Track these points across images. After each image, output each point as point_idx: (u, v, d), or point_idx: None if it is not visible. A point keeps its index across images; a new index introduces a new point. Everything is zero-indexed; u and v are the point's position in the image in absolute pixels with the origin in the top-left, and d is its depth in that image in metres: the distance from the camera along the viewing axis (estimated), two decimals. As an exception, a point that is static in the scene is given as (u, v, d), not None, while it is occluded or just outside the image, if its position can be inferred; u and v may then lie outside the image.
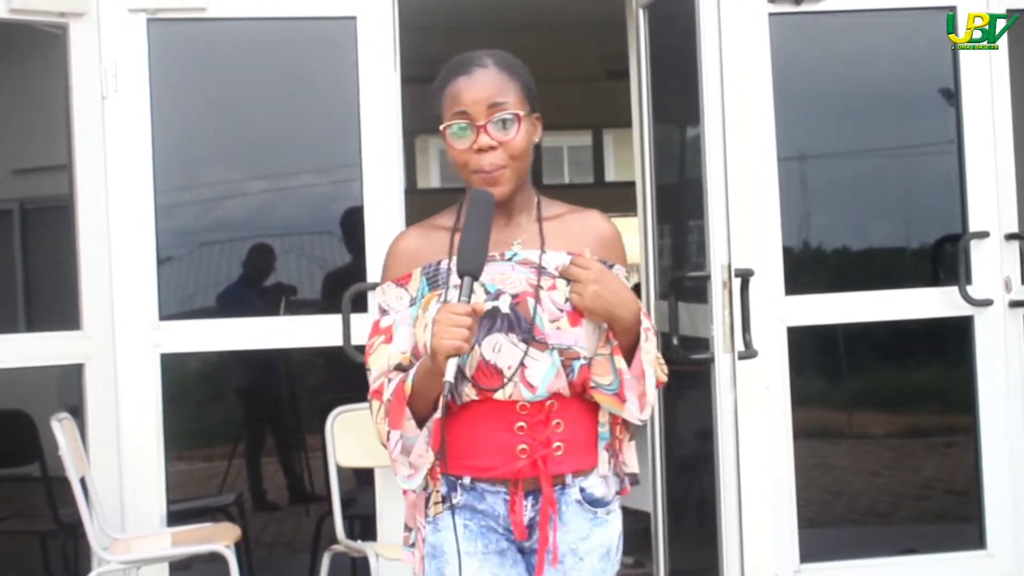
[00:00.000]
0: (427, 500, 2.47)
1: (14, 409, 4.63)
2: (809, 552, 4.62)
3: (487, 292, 2.42)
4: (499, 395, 2.40)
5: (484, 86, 2.43)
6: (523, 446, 2.41)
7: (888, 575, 4.76)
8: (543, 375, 2.40)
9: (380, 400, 2.43)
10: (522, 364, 2.39)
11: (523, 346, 2.39)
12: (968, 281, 4.67)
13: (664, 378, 2.52)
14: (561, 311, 2.42)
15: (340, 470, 4.51)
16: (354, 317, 4.43)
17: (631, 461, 2.57)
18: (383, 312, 2.52)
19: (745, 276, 4.37)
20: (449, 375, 2.25)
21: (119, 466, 4.45)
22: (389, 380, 2.43)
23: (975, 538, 4.73)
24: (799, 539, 4.61)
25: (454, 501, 2.44)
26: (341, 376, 4.68)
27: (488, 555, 2.44)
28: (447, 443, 2.35)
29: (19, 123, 4.65)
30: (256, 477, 4.97)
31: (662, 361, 2.52)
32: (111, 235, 4.47)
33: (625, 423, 2.52)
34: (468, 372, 2.39)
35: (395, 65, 4.56)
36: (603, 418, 2.49)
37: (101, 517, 4.33)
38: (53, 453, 4.20)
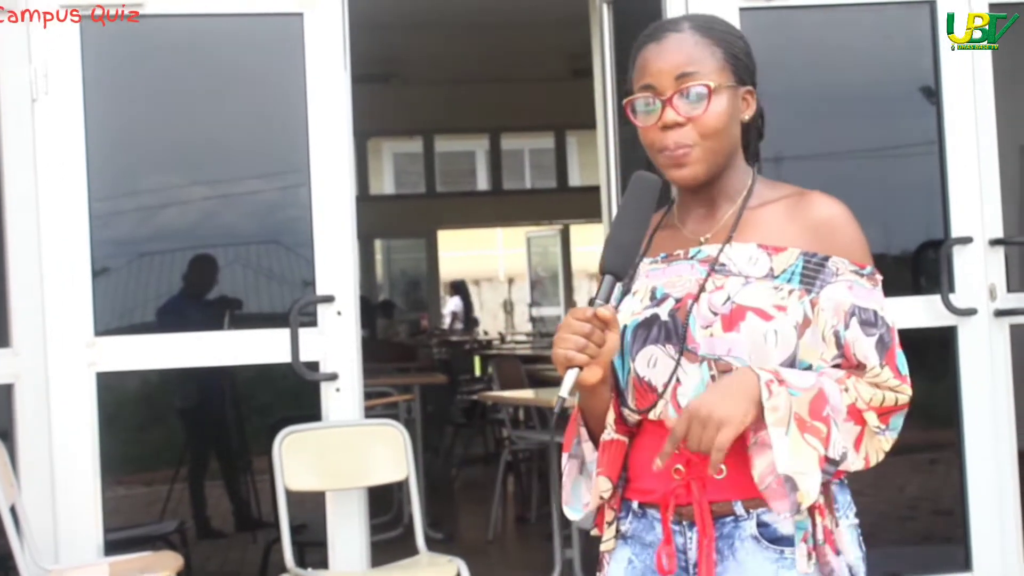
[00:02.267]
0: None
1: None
2: (786, 576, 4.44)
3: (653, 298, 2.14)
4: (651, 415, 2.12)
5: (674, 53, 2.14)
6: (679, 466, 2.10)
7: (870, 599, 4.61)
8: (692, 394, 2.07)
9: None
10: (675, 379, 2.09)
11: (677, 357, 2.09)
12: (951, 289, 4.56)
13: (878, 455, 2.06)
14: (715, 314, 2.07)
15: (289, 494, 4.40)
16: (302, 332, 4.35)
17: (848, 548, 2.10)
18: None
19: (717, 286, 4.23)
20: (563, 390, 1.97)
21: (52, 492, 4.33)
22: None
23: (961, 559, 4.62)
24: (776, 562, 4.42)
25: (622, 528, 2.19)
26: (289, 394, 4.63)
27: None
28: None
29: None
30: (200, 502, 4.89)
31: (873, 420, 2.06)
32: (42, 246, 4.35)
33: (832, 503, 2.10)
34: (628, 395, 2.15)
35: (345, 64, 4.47)
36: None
37: (33, 547, 4.20)
38: (-20, 480, 4.10)
